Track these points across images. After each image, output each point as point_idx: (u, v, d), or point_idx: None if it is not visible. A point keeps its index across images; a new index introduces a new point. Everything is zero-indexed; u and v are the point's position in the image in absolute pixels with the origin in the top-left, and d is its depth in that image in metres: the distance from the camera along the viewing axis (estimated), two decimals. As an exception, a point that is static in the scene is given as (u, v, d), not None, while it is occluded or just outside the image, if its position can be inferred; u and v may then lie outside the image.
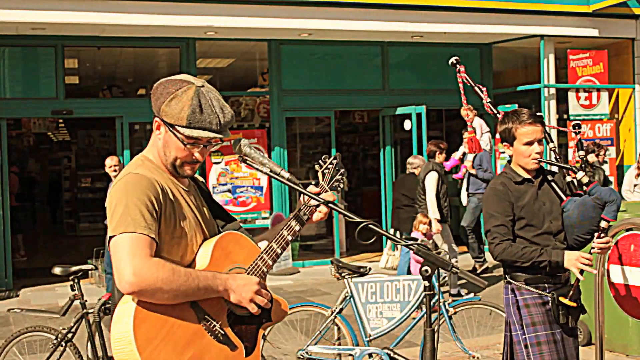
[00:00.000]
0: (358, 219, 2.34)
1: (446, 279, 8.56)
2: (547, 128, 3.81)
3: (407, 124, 11.53)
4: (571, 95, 11.78)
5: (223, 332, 2.31)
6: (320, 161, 2.74)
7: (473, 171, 10.14)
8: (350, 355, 5.33)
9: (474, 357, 5.16)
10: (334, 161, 2.73)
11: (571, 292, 3.57)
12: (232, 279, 2.31)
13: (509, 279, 3.67)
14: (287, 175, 2.46)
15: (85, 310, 5.34)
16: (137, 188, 2.27)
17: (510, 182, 3.67)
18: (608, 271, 5.14)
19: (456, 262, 8.93)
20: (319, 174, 2.71)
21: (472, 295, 8.44)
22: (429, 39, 11.63)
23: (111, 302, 2.39)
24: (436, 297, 4.88)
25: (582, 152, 4.07)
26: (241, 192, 11.13)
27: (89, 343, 5.37)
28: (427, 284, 2.33)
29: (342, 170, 2.73)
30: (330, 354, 5.48)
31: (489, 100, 4.52)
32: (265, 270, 2.44)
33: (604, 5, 11.26)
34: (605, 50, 12.02)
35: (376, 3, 10.40)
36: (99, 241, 10.05)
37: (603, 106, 11.95)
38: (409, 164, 9.46)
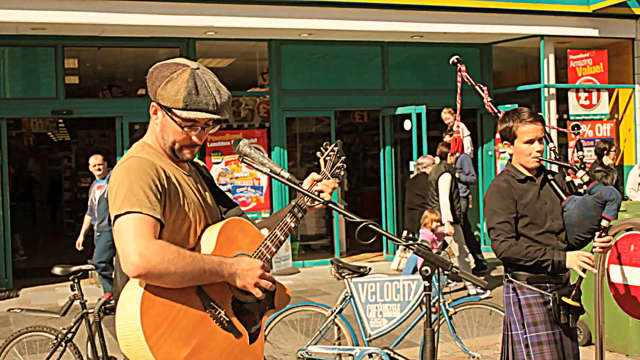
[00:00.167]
0: (358, 219, 2.33)
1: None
2: (546, 128, 3.81)
3: (407, 124, 11.53)
4: (571, 95, 11.78)
5: (228, 320, 2.31)
6: (321, 148, 2.74)
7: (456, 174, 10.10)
8: (350, 355, 5.33)
9: (474, 357, 5.17)
10: (335, 148, 2.73)
11: (574, 292, 3.57)
12: (237, 263, 2.31)
13: (510, 278, 3.67)
14: (287, 175, 2.46)
15: (85, 310, 5.34)
16: (140, 170, 2.26)
17: (514, 180, 3.67)
18: (608, 271, 5.14)
19: (468, 262, 8.92)
20: (321, 161, 2.71)
21: (488, 292, 8.41)
22: (429, 39, 11.63)
23: (113, 289, 2.37)
24: (436, 297, 4.92)
25: (581, 153, 4.08)
26: (241, 192, 11.13)
27: (89, 343, 5.37)
28: (427, 284, 2.33)
29: (343, 157, 2.74)
30: (330, 354, 5.48)
31: (489, 99, 4.52)
32: (269, 257, 2.45)
33: (604, 5, 11.27)
34: (605, 50, 12.02)
35: (376, 3, 10.40)
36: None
37: (603, 106, 11.95)
38: (418, 164, 9.46)
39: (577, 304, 3.57)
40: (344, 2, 10.30)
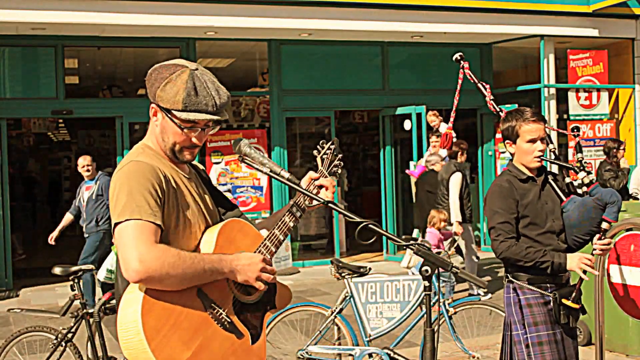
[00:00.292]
0: (358, 219, 2.33)
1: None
2: (546, 130, 3.81)
3: (407, 124, 11.53)
4: (571, 95, 11.78)
5: (229, 320, 2.31)
6: (318, 146, 2.74)
7: None
8: (350, 355, 5.33)
9: (474, 357, 5.16)
10: (332, 146, 2.73)
11: (574, 294, 3.57)
12: (237, 259, 2.31)
13: (510, 278, 3.67)
14: (287, 175, 2.46)
15: (85, 310, 5.34)
16: (140, 175, 2.26)
17: (516, 180, 3.67)
18: (608, 271, 5.14)
19: (477, 261, 8.91)
20: (318, 160, 2.71)
21: (489, 295, 8.42)
22: (429, 39, 11.63)
23: (114, 292, 2.37)
24: (436, 297, 4.92)
25: (580, 155, 4.07)
26: (241, 192, 11.13)
27: (89, 343, 5.37)
28: (427, 284, 2.33)
29: (340, 155, 2.73)
30: (330, 354, 5.48)
31: (492, 97, 4.50)
32: (269, 256, 2.45)
33: (604, 5, 11.27)
34: (605, 50, 12.02)
35: (376, 3, 10.41)
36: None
37: (603, 106, 11.95)
38: (427, 161, 9.46)
39: (576, 306, 3.57)
40: (344, 2, 10.30)
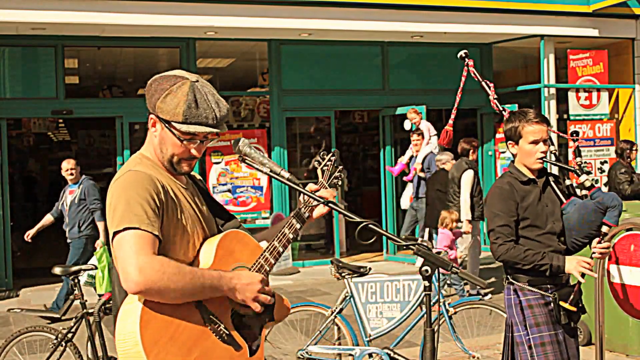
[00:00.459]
0: (358, 219, 2.33)
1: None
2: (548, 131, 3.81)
3: (407, 124, 11.53)
4: (571, 95, 11.78)
5: (228, 333, 2.30)
6: (318, 157, 2.73)
7: (422, 174, 10.03)
8: (350, 355, 5.33)
9: (474, 357, 5.16)
10: (332, 158, 2.72)
11: (572, 297, 3.58)
12: (237, 278, 2.30)
13: (511, 280, 3.67)
14: (287, 175, 2.46)
15: (85, 310, 5.34)
16: (137, 185, 2.25)
17: (517, 182, 3.67)
18: (608, 271, 5.14)
19: (478, 260, 8.91)
20: (318, 171, 2.70)
21: (489, 296, 8.43)
22: (429, 39, 11.63)
23: (112, 303, 2.36)
24: (436, 297, 4.92)
25: (579, 159, 4.07)
26: (241, 192, 11.13)
27: (89, 343, 5.37)
28: (427, 284, 2.33)
29: (340, 167, 2.72)
30: (330, 354, 5.48)
31: (495, 96, 4.49)
32: (268, 269, 2.44)
33: (604, 5, 11.27)
34: (605, 50, 12.02)
35: (377, 3, 10.40)
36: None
37: (603, 106, 11.95)
38: (437, 160, 9.46)
39: (574, 309, 3.58)
40: (345, 2, 10.30)
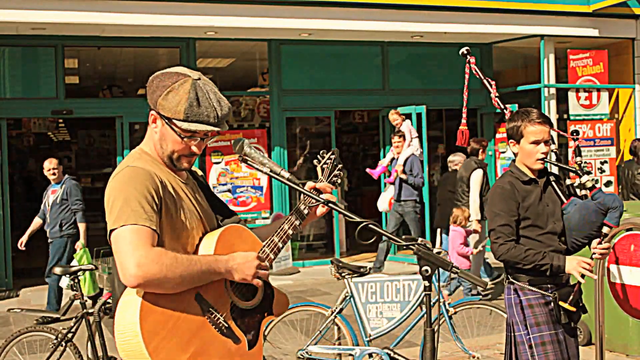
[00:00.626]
0: (358, 219, 2.33)
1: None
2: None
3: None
4: (571, 95, 11.78)
5: (227, 325, 2.31)
6: (318, 156, 2.73)
7: (404, 176, 9.96)
8: (350, 355, 5.33)
9: (474, 357, 5.16)
10: (332, 156, 2.73)
11: (571, 297, 3.57)
12: (232, 259, 2.31)
13: (511, 279, 3.67)
14: (287, 175, 2.46)
15: (85, 310, 5.34)
16: (135, 180, 2.25)
17: (518, 182, 3.67)
18: (608, 271, 5.14)
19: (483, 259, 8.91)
20: (318, 169, 2.71)
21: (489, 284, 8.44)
22: (429, 39, 11.63)
23: (112, 299, 2.37)
24: (436, 297, 4.92)
25: (579, 158, 4.07)
26: (241, 192, 11.13)
27: (89, 343, 5.37)
28: (427, 284, 2.33)
29: (340, 166, 2.73)
30: (330, 354, 5.48)
31: (497, 94, 4.47)
32: (267, 263, 2.45)
33: (604, 5, 11.27)
34: (605, 50, 12.02)
35: (377, 3, 10.40)
36: (99, 241, 10.03)
37: (603, 106, 11.95)
38: (450, 161, 9.45)
39: (573, 309, 3.58)
40: (345, 2, 10.30)
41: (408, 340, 5.90)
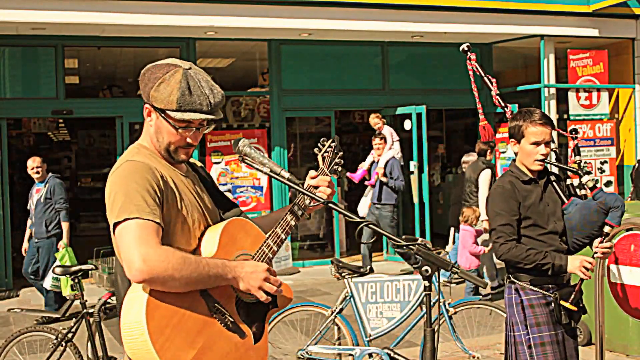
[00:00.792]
0: (358, 219, 2.33)
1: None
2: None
3: (407, 124, 11.53)
4: (571, 95, 11.77)
5: (232, 320, 2.30)
6: (318, 144, 2.71)
7: (384, 179, 9.95)
8: (350, 355, 5.33)
9: (474, 357, 5.16)
10: (333, 144, 2.71)
11: (573, 296, 3.58)
12: (240, 266, 2.28)
13: (512, 279, 3.67)
14: (287, 175, 2.46)
15: (85, 310, 5.34)
16: (136, 174, 2.24)
17: (518, 182, 3.67)
18: (608, 271, 5.15)
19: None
20: (319, 158, 2.69)
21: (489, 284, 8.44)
22: (429, 39, 11.63)
23: (116, 296, 2.36)
24: (436, 297, 4.92)
25: (578, 157, 4.07)
26: (241, 192, 11.13)
27: (89, 343, 5.37)
28: (427, 284, 2.33)
29: (340, 153, 2.71)
30: (330, 354, 5.48)
31: (498, 92, 4.45)
32: (271, 256, 2.43)
33: (604, 5, 11.26)
34: (605, 50, 12.02)
35: (377, 3, 10.40)
36: (99, 241, 10.05)
37: (603, 106, 11.95)
38: (464, 162, 9.44)
39: (575, 308, 3.57)
40: (345, 2, 10.30)
41: (408, 340, 5.90)
